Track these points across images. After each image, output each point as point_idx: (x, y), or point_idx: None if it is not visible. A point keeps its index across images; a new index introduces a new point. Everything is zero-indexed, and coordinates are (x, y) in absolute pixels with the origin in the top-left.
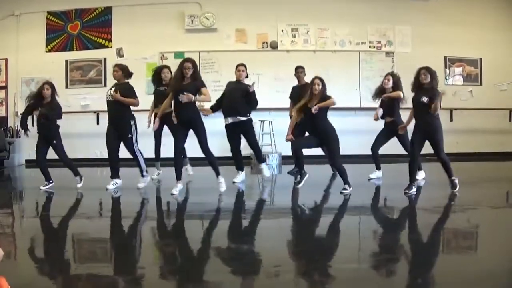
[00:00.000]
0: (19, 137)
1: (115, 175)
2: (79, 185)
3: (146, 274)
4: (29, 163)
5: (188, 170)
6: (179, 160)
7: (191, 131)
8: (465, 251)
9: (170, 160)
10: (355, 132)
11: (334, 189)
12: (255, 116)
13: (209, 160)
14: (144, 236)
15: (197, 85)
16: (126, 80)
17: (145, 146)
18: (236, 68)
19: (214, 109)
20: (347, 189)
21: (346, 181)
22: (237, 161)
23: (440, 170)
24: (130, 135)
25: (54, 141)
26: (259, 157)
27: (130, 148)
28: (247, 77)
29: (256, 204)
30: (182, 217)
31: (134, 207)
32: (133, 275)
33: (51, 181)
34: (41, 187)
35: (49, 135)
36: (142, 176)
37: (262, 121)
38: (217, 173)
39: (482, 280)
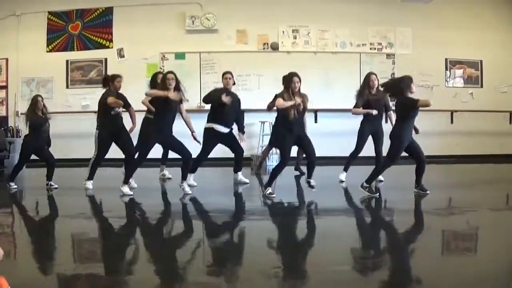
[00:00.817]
0: (20, 137)
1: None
2: (54, 186)
3: (145, 275)
4: (29, 163)
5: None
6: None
7: None
8: (464, 253)
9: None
10: (355, 134)
11: (334, 190)
12: (255, 118)
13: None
14: (143, 236)
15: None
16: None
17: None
18: (223, 76)
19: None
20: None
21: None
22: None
23: (438, 172)
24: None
25: (47, 146)
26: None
27: (133, 148)
28: (234, 84)
29: (255, 205)
30: (181, 218)
31: (133, 207)
32: (132, 275)
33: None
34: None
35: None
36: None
37: (263, 122)
38: (184, 178)
39: (481, 282)
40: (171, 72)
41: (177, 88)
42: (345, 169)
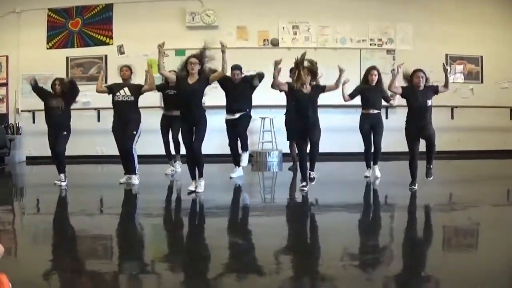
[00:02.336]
0: (20, 134)
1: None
2: (58, 183)
3: (146, 272)
4: (30, 160)
5: (176, 168)
6: (190, 159)
7: None
8: (465, 249)
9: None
10: (355, 130)
11: (333, 186)
12: (255, 114)
13: (198, 160)
14: (144, 233)
15: (205, 82)
16: (131, 81)
17: (149, 143)
18: (231, 72)
19: None
20: (306, 187)
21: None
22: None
23: (439, 167)
24: (135, 132)
25: (65, 132)
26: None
27: (130, 144)
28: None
29: (256, 201)
30: (182, 214)
31: (136, 203)
32: (132, 272)
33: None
34: (56, 182)
35: (61, 125)
36: (135, 173)
37: (263, 119)
38: (201, 175)
39: (482, 278)
40: (193, 55)
41: (201, 73)
42: (368, 166)
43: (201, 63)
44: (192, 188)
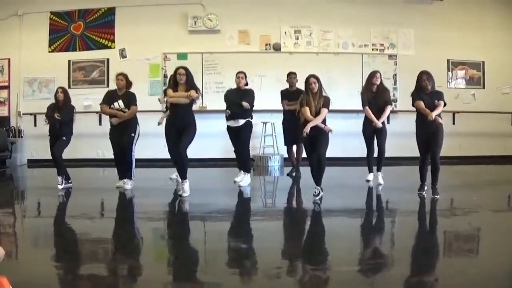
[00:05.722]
0: (22, 137)
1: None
2: (59, 186)
3: (147, 275)
4: (31, 163)
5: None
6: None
7: None
8: (466, 254)
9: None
10: (357, 134)
11: (335, 191)
12: (257, 118)
13: (182, 161)
14: (145, 237)
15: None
16: (127, 90)
17: (149, 146)
18: (236, 75)
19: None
20: (320, 192)
21: (320, 182)
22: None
23: (441, 173)
24: (132, 134)
25: (64, 138)
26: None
27: (129, 146)
28: (246, 84)
29: (257, 206)
30: (183, 218)
31: (136, 207)
32: (133, 276)
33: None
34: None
35: (61, 132)
36: (130, 179)
37: (265, 123)
38: (184, 177)
39: (483, 283)
40: (181, 67)
41: (190, 83)
42: (370, 170)
43: (188, 74)
44: (184, 194)
